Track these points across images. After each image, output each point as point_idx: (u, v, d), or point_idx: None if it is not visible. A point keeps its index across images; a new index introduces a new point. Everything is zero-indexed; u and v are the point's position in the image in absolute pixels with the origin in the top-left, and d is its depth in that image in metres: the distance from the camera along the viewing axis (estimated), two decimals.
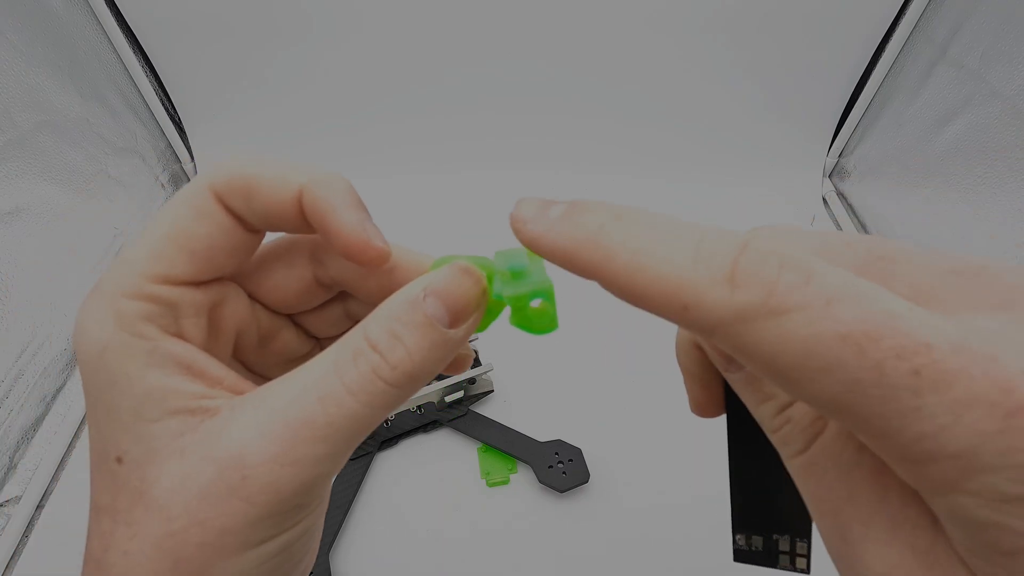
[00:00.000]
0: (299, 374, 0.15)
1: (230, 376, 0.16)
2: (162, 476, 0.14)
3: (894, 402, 0.09)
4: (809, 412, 0.13)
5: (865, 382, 0.10)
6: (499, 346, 0.52)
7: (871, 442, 0.11)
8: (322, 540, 0.42)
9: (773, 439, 0.14)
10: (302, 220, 0.16)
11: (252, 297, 0.18)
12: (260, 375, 0.19)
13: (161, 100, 0.70)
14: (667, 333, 0.52)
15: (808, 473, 0.13)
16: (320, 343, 0.21)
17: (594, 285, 0.13)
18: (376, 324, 0.15)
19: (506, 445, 0.48)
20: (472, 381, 0.49)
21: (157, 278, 0.15)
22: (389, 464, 0.49)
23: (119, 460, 0.15)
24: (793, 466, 0.14)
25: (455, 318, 0.15)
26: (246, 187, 0.16)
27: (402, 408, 0.47)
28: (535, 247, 0.13)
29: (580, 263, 0.12)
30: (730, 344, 0.11)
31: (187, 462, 0.14)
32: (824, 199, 0.75)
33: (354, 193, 0.17)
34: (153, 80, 0.69)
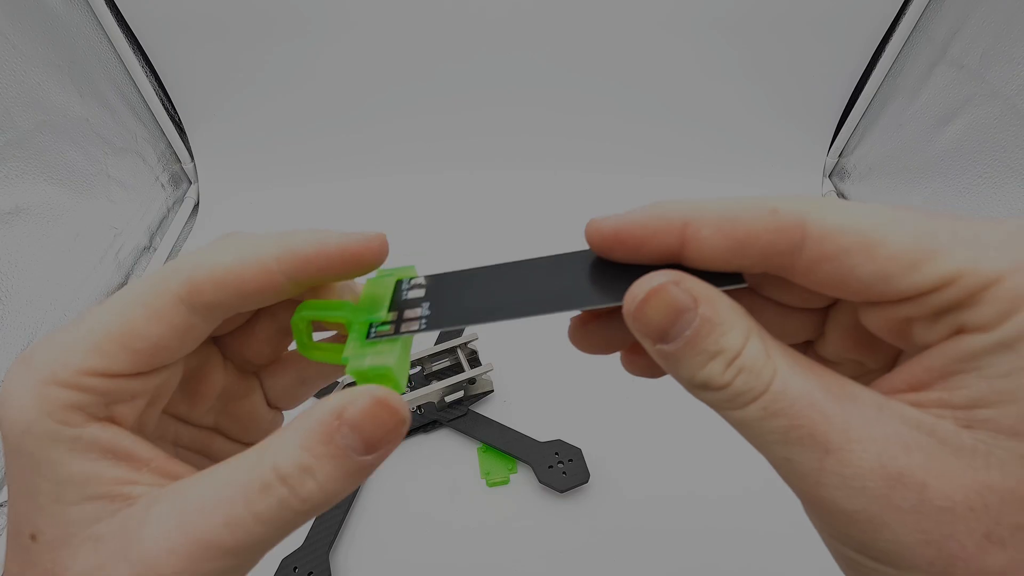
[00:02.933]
0: (211, 489, 0.14)
1: (158, 456, 0.16)
2: (75, 562, 0.14)
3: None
4: (762, 352, 0.14)
5: None
6: (499, 346, 0.52)
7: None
8: (322, 540, 0.42)
9: (719, 396, 0.14)
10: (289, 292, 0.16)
11: None
12: (195, 424, 0.19)
13: (161, 100, 0.70)
14: None
15: (771, 412, 0.13)
16: (258, 374, 0.20)
17: None
18: (286, 455, 0.14)
19: (506, 445, 0.48)
20: (472, 381, 0.49)
21: (94, 372, 0.14)
22: (389, 464, 0.48)
23: (33, 537, 0.15)
24: (749, 413, 0.14)
25: (371, 448, 0.14)
26: (229, 287, 0.15)
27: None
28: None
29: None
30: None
31: (101, 553, 0.14)
32: None
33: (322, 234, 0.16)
34: (153, 80, 0.69)
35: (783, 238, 0.14)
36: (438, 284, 0.18)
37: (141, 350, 0.15)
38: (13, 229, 0.51)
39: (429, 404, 0.49)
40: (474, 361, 0.51)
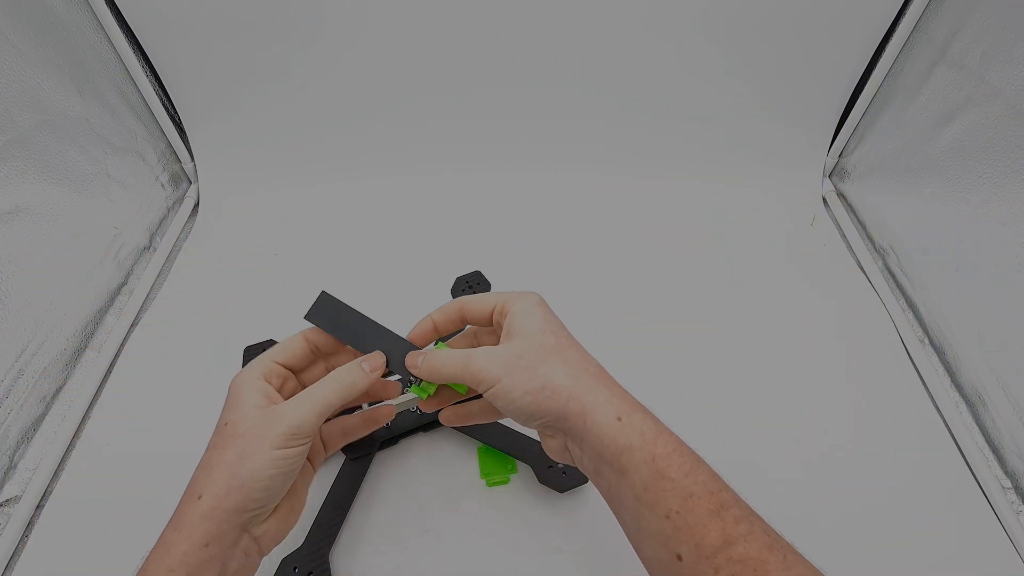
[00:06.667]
0: (308, 390, 0.33)
1: (279, 398, 0.33)
2: (242, 426, 0.31)
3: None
4: (458, 352, 0.34)
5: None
6: None
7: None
8: (322, 539, 0.43)
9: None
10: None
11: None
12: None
13: (161, 100, 0.70)
14: (666, 336, 0.52)
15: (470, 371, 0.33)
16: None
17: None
18: (342, 370, 0.34)
19: (506, 445, 0.48)
20: None
21: (272, 361, 0.35)
22: (389, 464, 0.49)
23: (226, 424, 0.32)
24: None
25: (375, 370, 0.35)
26: (322, 336, 0.37)
27: (402, 408, 0.47)
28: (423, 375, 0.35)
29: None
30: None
31: (252, 420, 0.31)
32: (824, 199, 0.75)
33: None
34: (153, 80, 0.69)
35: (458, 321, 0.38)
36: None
37: (293, 354, 0.36)
38: (13, 229, 0.51)
39: None
40: None
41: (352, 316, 0.37)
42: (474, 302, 0.36)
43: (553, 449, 0.33)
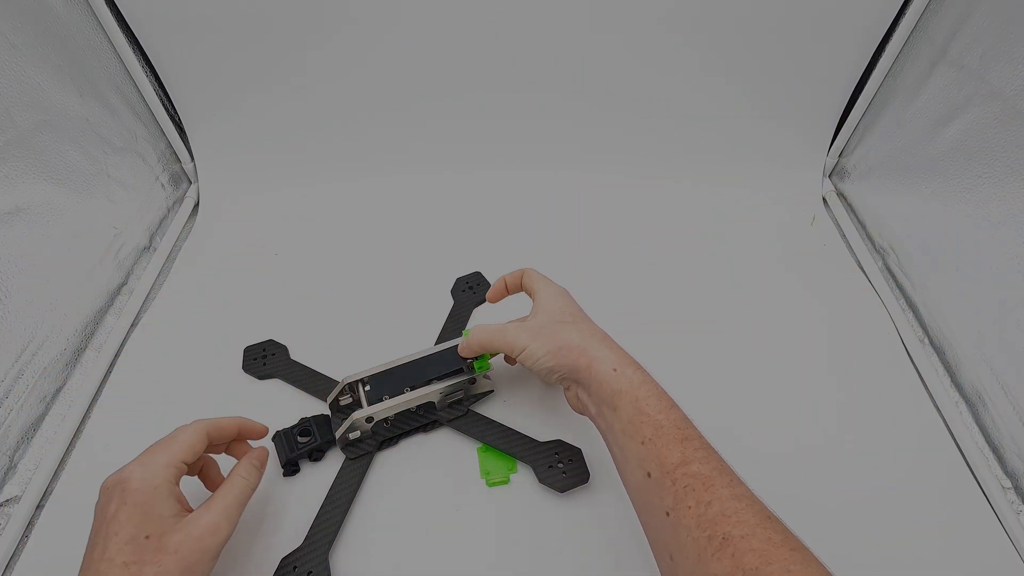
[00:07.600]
0: (221, 495, 0.37)
1: (187, 501, 0.37)
2: (171, 540, 0.33)
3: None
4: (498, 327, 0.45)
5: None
6: None
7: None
8: (322, 540, 0.43)
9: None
10: (235, 436, 0.43)
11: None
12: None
13: (161, 100, 0.70)
14: (666, 336, 0.52)
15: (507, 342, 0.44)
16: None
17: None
18: (242, 470, 0.39)
19: (506, 445, 0.48)
20: (472, 381, 0.49)
21: (181, 462, 0.36)
22: (389, 464, 0.49)
23: (147, 537, 0.33)
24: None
25: (263, 465, 0.42)
26: (219, 432, 0.41)
27: (402, 408, 0.47)
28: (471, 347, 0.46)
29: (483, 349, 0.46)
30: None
31: (183, 532, 0.34)
32: (824, 199, 0.75)
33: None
34: (153, 80, 0.69)
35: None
36: None
37: (195, 453, 0.38)
38: (13, 229, 0.51)
39: (429, 404, 0.49)
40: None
41: (401, 369, 0.49)
42: (531, 276, 0.48)
43: (570, 399, 0.43)
